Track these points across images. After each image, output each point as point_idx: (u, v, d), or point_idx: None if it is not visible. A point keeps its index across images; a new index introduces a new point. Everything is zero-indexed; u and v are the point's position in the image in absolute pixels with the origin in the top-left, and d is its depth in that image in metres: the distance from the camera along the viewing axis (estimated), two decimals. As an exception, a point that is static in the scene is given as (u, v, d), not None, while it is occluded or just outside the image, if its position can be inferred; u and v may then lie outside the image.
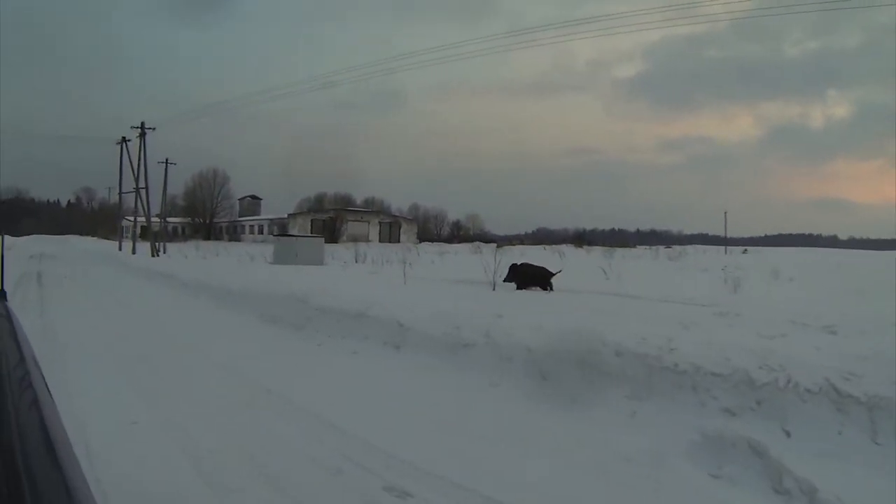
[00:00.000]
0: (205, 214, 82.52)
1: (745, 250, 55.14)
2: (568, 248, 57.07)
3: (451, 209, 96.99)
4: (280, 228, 67.33)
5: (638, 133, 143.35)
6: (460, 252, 44.53)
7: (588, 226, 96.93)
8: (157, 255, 33.03)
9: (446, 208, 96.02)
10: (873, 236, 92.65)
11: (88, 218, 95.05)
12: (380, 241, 69.08)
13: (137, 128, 35.91)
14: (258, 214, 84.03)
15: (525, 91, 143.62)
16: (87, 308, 11.65)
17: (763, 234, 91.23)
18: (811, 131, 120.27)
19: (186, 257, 33.35)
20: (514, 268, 13.05)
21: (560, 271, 12.99)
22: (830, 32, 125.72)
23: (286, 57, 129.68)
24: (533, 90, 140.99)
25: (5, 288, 2.08)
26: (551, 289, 12.28)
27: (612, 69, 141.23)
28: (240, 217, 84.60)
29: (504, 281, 12.68)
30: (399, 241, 70.51)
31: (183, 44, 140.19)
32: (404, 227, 78.91)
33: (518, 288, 12.32)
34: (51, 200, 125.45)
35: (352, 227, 70.93)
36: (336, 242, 63.42)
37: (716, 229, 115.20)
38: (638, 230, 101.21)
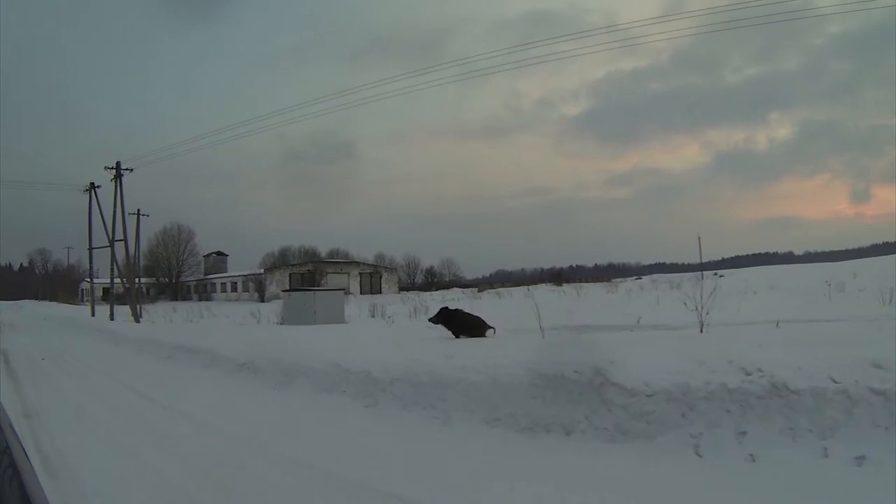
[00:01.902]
0: (170, 273, 78.03)
1: (718, 273, 54.62)
2: (548, 288, 55.33)
3: (416, 256, 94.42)
4: (256, 284, 64.47)
5: (587, 169, 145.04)
6: (461, 298, 42.28)
7: (545, 264, 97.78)
8: (139, 321, 29.07)
9: (413, 255, 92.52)
10: (826, 249, 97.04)
11: (44, 281, 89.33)
12: (361, 292, 67.19)
13: (111, 168, 31.51)
14: (225, 271, 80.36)
15: (476, 134, 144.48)
16: (126, 438, 6.61)
17: (720, 258, 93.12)
18: (757, 154, 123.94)
19: (172, 321, 30.08)
20: (446, 313, 11.36)
21: (493, 328, 11.33)
22: (769, 58, 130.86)
23: (234, 110, 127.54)
24: (484, 133, 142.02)
25: None
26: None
27: (559, 108, 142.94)
28: (206, 275, 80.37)
29: (431, 321, 11.37)
30: (381, 292, 67.59)
31: (133, 92, 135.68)
32: (385, 276, 76.13)
33: (456, 336, 10.81)
34: (1, 265, 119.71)
35: (332, 279, 68.22)
36: (315, 296, 60.37)
37: (671, 257, 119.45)
38: (596, 265, 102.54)
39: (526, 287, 59.90)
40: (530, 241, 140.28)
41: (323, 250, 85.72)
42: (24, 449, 1.35)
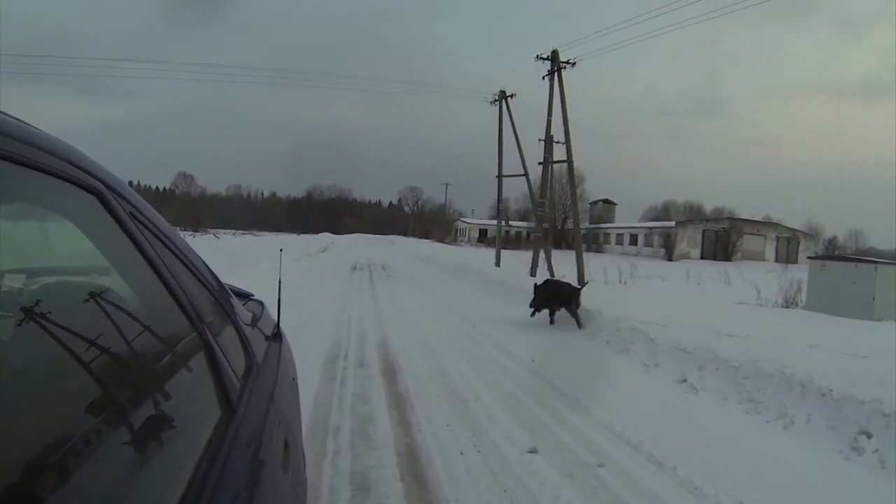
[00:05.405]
0: (555, 218, 70.30)
1: None
2: None
3: (817, 223, 78.31)
4: (663, 239, 52.93)
5: None
6: None
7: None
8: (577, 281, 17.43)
9: (815, 222, 76.94)
10: None
11: (413, 218, 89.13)
12: (776, 259, 53.07)
13: (544, 58, 19.93)
14: (612, 221, 71.42)
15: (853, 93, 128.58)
16: None
17: None
18: None
19: (606, 282, 20.31)
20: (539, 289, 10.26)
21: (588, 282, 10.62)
22: None
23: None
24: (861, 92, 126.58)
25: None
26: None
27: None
28: (592, 224, 71.30)
29: (531, 306, 10.04)
30: (796, 262, 51.71)
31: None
32: (802, 244, 58.33)
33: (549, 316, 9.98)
34: (372, 201, 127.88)
35: (746, 242, 53.86)
36: (728, 260, 48.20)
37: None
38: None
39: None
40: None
41: (707, 207, 78.85)
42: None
